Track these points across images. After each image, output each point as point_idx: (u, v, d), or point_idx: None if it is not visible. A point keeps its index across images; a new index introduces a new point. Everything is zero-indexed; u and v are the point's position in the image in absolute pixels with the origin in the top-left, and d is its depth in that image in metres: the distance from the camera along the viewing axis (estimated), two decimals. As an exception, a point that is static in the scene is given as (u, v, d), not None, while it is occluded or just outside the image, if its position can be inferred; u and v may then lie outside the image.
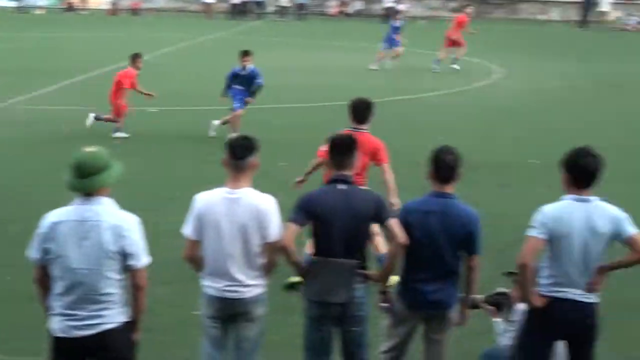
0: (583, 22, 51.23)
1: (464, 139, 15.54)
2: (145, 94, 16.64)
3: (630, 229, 5.73)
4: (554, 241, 5.75)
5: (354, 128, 8.47)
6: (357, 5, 56.24)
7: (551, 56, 28.94)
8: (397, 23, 28.12)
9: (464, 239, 5.99)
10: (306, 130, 15.70)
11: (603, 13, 52.33)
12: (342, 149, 6.05)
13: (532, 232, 5.78)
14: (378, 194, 6.22)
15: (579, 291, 5.79)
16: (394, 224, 5.91)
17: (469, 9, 29.49)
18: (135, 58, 16.42)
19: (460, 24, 28.25)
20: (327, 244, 5.93)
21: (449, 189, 6.04)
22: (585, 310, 5.83)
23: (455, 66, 27.55)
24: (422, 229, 5.97)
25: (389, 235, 6.01)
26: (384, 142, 8.92)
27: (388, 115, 17.11)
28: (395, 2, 51.02)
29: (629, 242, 5.74)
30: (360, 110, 8.64)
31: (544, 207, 5.84)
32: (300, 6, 50.92)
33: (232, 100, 16.18)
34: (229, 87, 16.25)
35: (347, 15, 54.89)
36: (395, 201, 8.39)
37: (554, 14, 56.55)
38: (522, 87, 24.67)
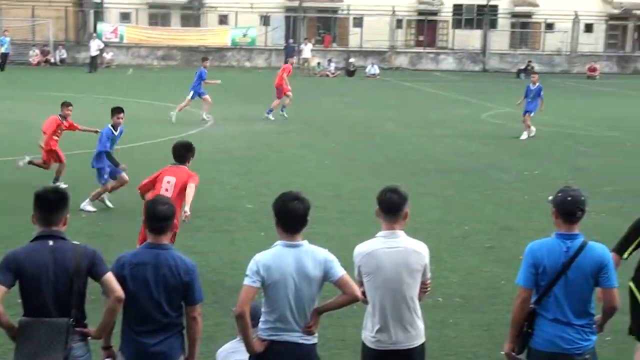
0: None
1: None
2: (88, 130, 16.49)
3: (339, 271, 5.89)
4: (268, 287, 5.85)
5: (175, 164, 9.97)
6: (61, 54, 54.80)
7: (260, 102, 29.79)
8: (205, 70, 27.51)
9: (181, 290, 5.93)
10: (9, 187, 14.87)
11: (306, 59, 54.71)
12: (46, 205, 5.80)
13: (246, 281, 5.84)
14: (93, 248, 6.02)
15: (297, 334, 5.89)
16: (109, 278, 5.77)
17: (293, 59, 32.17)
18: (62, 106, 16.35)
19: (286, 73, 29.33)
20: (38, 302, 5.68)
21: (164, 239, 5.98)
22: (305, 352, 5.93)
23: (285, 113, 28.55)
24: (136, 282, 5.89)
25: (106, 291, 5.83)
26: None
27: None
28: (98, 50, 50.24)
29: (338, 284, 5.91)
30: (179, 151, 10.06)
31: (257, 255, 5.93)
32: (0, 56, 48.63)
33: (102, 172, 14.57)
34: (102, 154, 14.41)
35: (51, 64, 53.31)
36: (188, 211, 9.27)
37: (260, 60, 58.44)
38: (234, 133, 25.12)
